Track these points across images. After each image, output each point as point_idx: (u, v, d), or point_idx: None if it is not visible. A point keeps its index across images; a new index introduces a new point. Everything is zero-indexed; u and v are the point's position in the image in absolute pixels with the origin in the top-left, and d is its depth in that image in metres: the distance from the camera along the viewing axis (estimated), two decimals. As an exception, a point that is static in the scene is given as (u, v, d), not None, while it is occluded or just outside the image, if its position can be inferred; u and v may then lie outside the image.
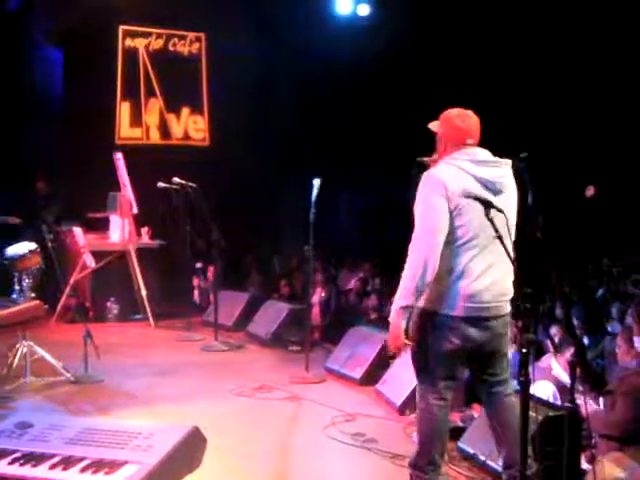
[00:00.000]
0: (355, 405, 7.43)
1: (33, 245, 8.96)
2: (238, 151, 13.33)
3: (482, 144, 4.99)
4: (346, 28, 13.16)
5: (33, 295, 8.67)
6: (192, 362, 9.28)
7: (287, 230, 12.11)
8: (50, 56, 13.75)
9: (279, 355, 9.63)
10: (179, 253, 11.30)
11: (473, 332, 4.86)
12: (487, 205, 4.53)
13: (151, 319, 11.33)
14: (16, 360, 8.19)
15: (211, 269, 11.81)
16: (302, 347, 9.23)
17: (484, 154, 4.96)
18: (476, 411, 6.52)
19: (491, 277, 4.86)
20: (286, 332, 9.99)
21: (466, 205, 4.76)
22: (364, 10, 13.39)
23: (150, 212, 11.94)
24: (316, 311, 10.41)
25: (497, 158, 4.98)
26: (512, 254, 4.64)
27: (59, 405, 7.60)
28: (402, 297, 4.84)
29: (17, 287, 8.75)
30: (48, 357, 8.37)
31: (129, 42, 13.82)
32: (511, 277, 4.90)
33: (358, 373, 8.24)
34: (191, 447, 2.85)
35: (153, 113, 14.02)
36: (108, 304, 11.73)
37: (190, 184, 10.44)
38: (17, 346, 8.26)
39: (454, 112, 5.10)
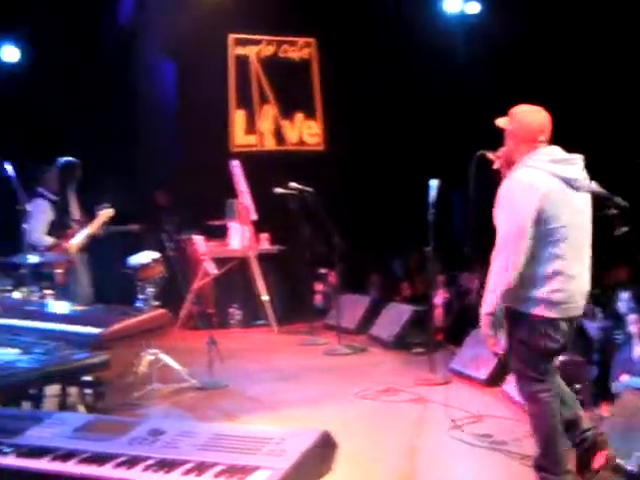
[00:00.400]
0: (481, 406, 7.32)
1: (156, 254, 9.10)
2: (353, 154, 13.34)
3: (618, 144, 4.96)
4: (455, 26, 13.04)
5: (156, 303, 8.82)
6: (316, 366, 9.29)
7: (406, 232, 12.04)
8: (163, 67, 13.96)
9: (403, 357, 9.58)
10: (299, 258, 11.33)
11: (568, 331, 4.95)
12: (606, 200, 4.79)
13: (273, 324, 11.41)
14: (142, 368, 8.34)
15: (332, 273, 11.82)
16: (426, 349, 9.17)
17: (560, 152, 4.97)
18: (605, 411, 6.38)
19: (582, 277, 4.95)
20: (409, 334, 9.94)
21: (558, 207, 4.81)
22: (473, 8, 13.23)
23: (268, 218, 12.02)
24: (439, 312, 10.31)
25: (573, 155, 4.98)
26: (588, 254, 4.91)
27: (186, 411, 7.70)
28: (489, 303, 4.90)
29: (141, 296, 8.91)
30: (173, 364, 8.49)
31: (240, 50, 13.93)
32: (588, 275, 4.99)
33: (483, 374, 8.13)
34: (322, 452, 2.83)
35: (267, 120, 14.10)
36: (231, 310, 11.87)
37: (307, 189, 10.48)
38: (143, 354, 8.41)
39: (525, 108, 5.10)
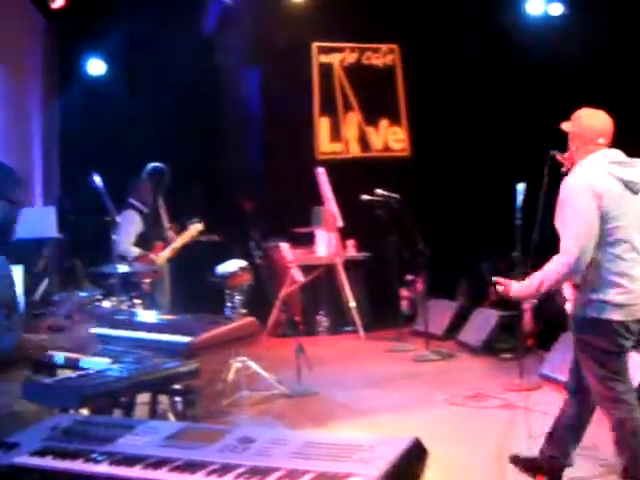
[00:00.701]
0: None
1: (243, 262, 9.17)
2: (438, 159, 13.27)
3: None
4: (538, 28, 12.87)
5: (244, 311, 8.88)
6: (404, 372, 9.26)
7: (493, 236, 11.93)
8: (247, 76, 14.07)
9: (491, 363, 9.49)
10: (385, 264, 11.30)
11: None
12: None
13: (361, 331, 11.40)
14: (231, 375, 8.40)
15: (419, 279, 11.77)
16: (514, 354, 9.07)
17: (620, 155, 5.02)
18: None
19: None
20: (497, 339, 9.85)
21: (617, 208, 4.85)
22: (556, 9, 13.04)
23: (355, 224, 12.02)
24: (528, 317, 10.18)
25: (634, 159, 5.02)
26: None
27: (275, 418, 7.73)
28: (532, 285, 5.08)
29: (229, 304, 8.98)
30: (262, 371, 8.54)
31: (323, 58, 13.97)
32: None
33: (574, 379, 8.01)
34: (413, 459, 2.80)
35: (352, 127, 14.11)
36: (318, 317, 11.89)
37: (393, 195, 10.46)
38: (231, 361, 8.47)
39: (586, 111, 5.20)
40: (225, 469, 2.76)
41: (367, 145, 14.10)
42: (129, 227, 9.11)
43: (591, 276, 4.88)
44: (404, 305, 12.39)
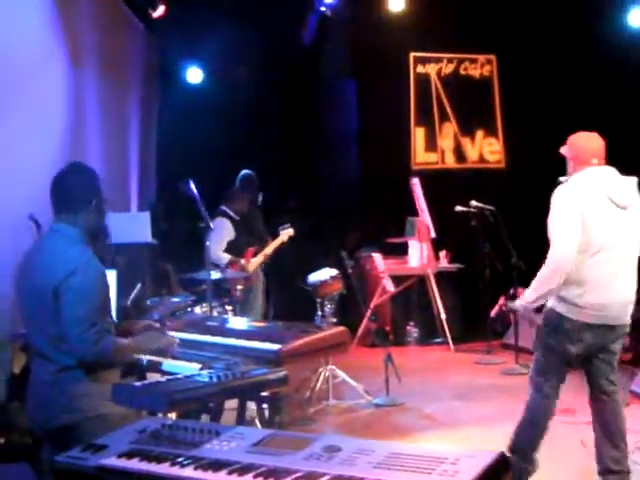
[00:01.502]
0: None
1: (334, 271, 9.19)
2: (534, 171, 13.11)
3: None
4: (639, 40, 12.65)
5: (335, 320, 8.90)
6: (492, 385, 9.18)
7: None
8: (344, 86, 14.11)
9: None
10: (478, 276, 11.20)
11: (595, 339, 5.45)
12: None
13: (450, 342, 11.33)
14: (319, 383, 8.43)
15: (511, 292, 11.64)
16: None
17: (610, 172, 5.48)
18: None
19: (621, 289, 5.36)
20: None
21: (600, 221, 5.28)
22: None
23: (448, 236, 11.96)
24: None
25: (622, 176, 5.49)
26: (634, 268, 5.41)
27: (361, 428, 7.72)
28: (526, 298, 5.54)
29: (320, 313, 9.01)
30: (350, 380, 8.55)
31: (420, 68, 13.94)
32: (632, 290, 5.44)
33: (666, 397, 7.89)
34: (497, 473, 2.78)
35: (448, 137, 14.05)
36: (408, 328, 11.86)
37: (488, 207, 10.38)
38: (320, 370, 8.50)
39: (579, 135, 5.75)
40: (310, 477, 2.77)
41: (462, 156, 14.02)
42: (221, 234, 9.21)
43: (570, 280, 5.29)
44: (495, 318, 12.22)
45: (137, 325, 4.80)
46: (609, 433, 5.65)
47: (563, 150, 5.79)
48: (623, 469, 5.55)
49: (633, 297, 5.46)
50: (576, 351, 5.47)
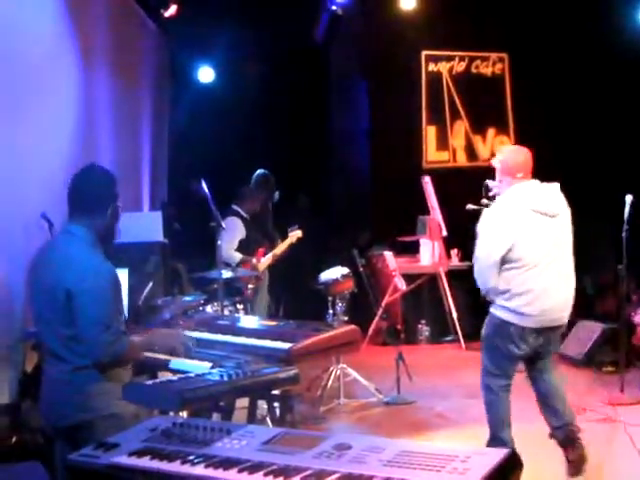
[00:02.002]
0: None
1: (346, 270, 9.19)
2: (546, 169, 13.10)
3: None
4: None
5: (346, 319, 8.91)
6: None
7: (597, 247, 11.74)
8: (355, 84, 14.12)
9: (592, 376, 9.33)
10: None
11: (537, 341, 5.91)
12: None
13: (462, 341, 11.32)
14: (330, 382, 8.44)
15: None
16: (616, 368, 8.91)
17: (535, 186, 5.91)
18: None
19: (556, 294, 5.81)
20: (599, 353, 9.67)
21: (527, 232, 5.72)
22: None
23: (459, 234, 11.95)
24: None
25: (549, 185, 5.94)
26: (570, 270, 5.91)
27: (372, 426, 7.74)
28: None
29: (331, 311, 9.02)
30: (361, 379, 8.56)
31: (432, 67, 13.91)
32: (569, 291, 5.92)
33: (677, 395, 7.90)
34: (508, 471, 2.79)
35: (459, 136, 14.03)
36: (419, 326, 11.85)
37: (498, 205, 10.37)
38: (331, 368, 8.51)
39: (507, 148, 6.54)
40: (320, 475, 2.79)
41: (474, 154, 14.00)
42: (233, 233, 9.23)
43: (502, 286, 5.80)
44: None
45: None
46: (548, 405, 6.18)
47: (494, 161, 6.19)
48: (564, 423, 6.09)
49: (571, 298, 5.96)
50: (520, 352, 5.92)
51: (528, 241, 5.73)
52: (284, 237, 9.62)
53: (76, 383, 4.13)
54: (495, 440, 5.96)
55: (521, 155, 6.05)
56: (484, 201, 10.53)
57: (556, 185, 5.98)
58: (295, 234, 9.57)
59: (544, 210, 5.78)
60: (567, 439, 6.10)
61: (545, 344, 5.97)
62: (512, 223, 5.74)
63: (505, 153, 6.19)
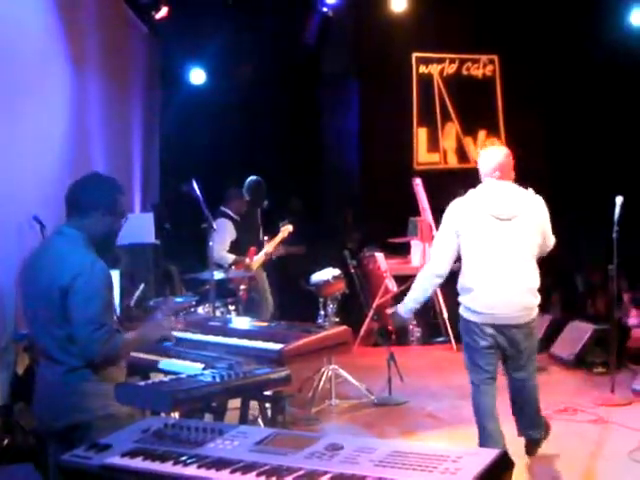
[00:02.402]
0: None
1: (337, 271, 9.21)
2: (537, 171, 13.13)
3: None
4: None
5: (337, 320, 8.92)
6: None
7: (587, 247, 11.77)
8: (346, 86, 14.13)
9: (583, 377, 9.35)
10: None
11: (497, 334, 6.06)
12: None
13: (453, 342, 11.33)
14: (321, 383, 8.45)
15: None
16: (607, 369, 8.95)
17: (498, 187, 6.07)
18: None
19: (507, 291, 5.95)
20: (590, 353, 9.69)
21: (478, 232, 5.97)
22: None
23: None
24: (636, 333, 9.96)
25: (514, 189, 6.09)
26: (523, 272, 5.98)
27: (363, 427, 7.75)
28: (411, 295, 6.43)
29: (322, 312, 9.03)
30: (352, 380, 8.56)
31: (423, 69, 13.95)
32: (518, 292, 5.98)
33: (668, 396, 7.92)
34: (499, 471, 2.80)
35: (450, 137, 14.07)
36: (410, 327, 11.85)
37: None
38: (322, 369, 8.52)
39: (487, 149, 6.48)
40: (312, 475, 2.79)
41: (465, 156, 14.05)
42: (223, 234, 9.24)
43: (461, 284, 6.11)
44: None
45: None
46: (518, 408, 6.39)
47: (476, 162, 6.45)
48: (525, 428, 6.38)
49: (525, 300, 6.02)
50: (483, 345, 6.06)
51: (472, 241, 6.00)
52: (275, 233, 9.65)
53: (71, 384, 4.14)
54: (482, 432, 6.09)
55: (496, 155, 6.26)
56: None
57: (521, 191, 6.13)
58: (286, 228, 9.60)
59: (497, 213, 5.97)
60: (529, 445, 6.42)
61: (509, 344, 6.08)
62: (459, 222, 6.05)
63: (482, 153, 6.40)
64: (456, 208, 6.13)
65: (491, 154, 6.28)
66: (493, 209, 5.97)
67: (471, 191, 6.15)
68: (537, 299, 6.11)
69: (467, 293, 6.06)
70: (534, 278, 6.08)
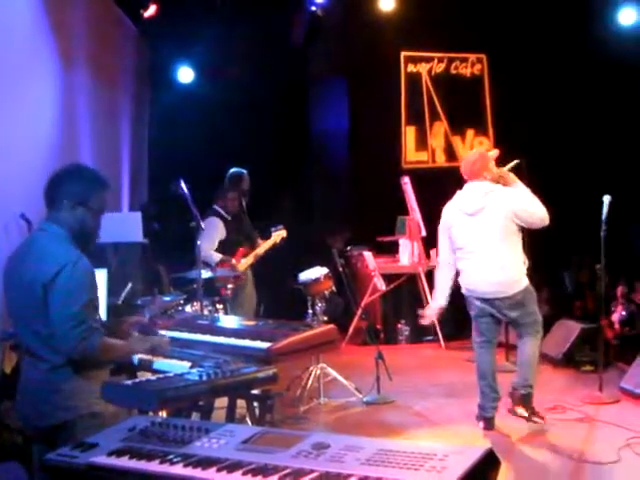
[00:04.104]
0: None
1: (325, 270, 9.20)
2: (525, 170, 13.13)
3: None
4: (629, 38, 12.66)
5: (325, 319, 8.92)
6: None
7: (576, 245, 11.79)
8: (335, 85, 14.13)
9: (571, 375, 9.38)
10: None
11: (484, 306, 7.38)
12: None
13: (441, 340, 11.36)
14: (310, 382, 8.45)
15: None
16: (595, 367, 8.97)
17: (467, 188, 7.40)
18: None
19: (485, 272, 7.21)
20: (578, 352, 9.71)
21: (457, 227, 7.35)
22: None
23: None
24: (617, 330, 10.02)
25: (480, 187, 7.27)
26: (496, 256, 7.17)
27: (352, 426, 7.76)
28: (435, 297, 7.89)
29: (310, 311, 9.03)
30: (341, 379, 8.57)
31: (411, 68, 13.94)
32: (495, 272, 7.18)
33: (656, 394, 7.94)
34: (485, 469, 2.80)
35: (438, 136, 14.07)
36: (399, 326, 11.88)
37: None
38: (310, 368, 8.53)
39: (467, 153, 8.27)
40: (298, 474, 2.79)
41: (453, 155, 14.04)
42: (212, 234, 9.24)
43: (457, 271, 7.48)
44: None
45: (126, 322, 4.80)
46: (518, 365, 7.60)
47: None
48: (518, 384, 7.46)
49: (499, 276, 7.17)
50: (476, 313, 7.45)
51: (455, 234, 7.39)
52: (266, 237, 9.64)
53: (55, 382, 4.12)
54: (479, 389, 7.50)
55: (468, 160, 7.56)
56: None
57: (481, 185, 7.30)
58: (279, 234, 9.61)
59: (465, 210, 7.29)
60: (518, 399, 7.41)
61: (500, 313, 7.37)
62: (447, 219, 7.50)
63: (464, 157, 7.79)
64: (446, 208, 7.51)
65: (464, 160, 7.69)
66: (462, 207, 7.32)
67: (456, 193, 7.46)
68: (514, 273, 7.23)
69: (460, 275, 7.42)
70: (508, 256, 7.21)
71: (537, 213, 7.21)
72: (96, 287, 4.28)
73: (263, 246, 9.60)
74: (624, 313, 10.32)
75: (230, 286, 8.85)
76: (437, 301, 7.73)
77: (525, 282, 7.28)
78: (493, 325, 7.48)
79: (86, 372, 4.16)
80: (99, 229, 4.39)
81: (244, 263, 9.41)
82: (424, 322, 8.13)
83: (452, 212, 7.42)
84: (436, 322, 11.30)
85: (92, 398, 4.08)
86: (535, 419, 7.31)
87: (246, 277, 9.56)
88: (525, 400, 7.34)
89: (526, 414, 7.32)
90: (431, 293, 11.34)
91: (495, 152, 7.95)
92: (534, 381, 7.39)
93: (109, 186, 4.45)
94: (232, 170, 10.11)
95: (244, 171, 10.16)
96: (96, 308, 4.28)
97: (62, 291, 4.02)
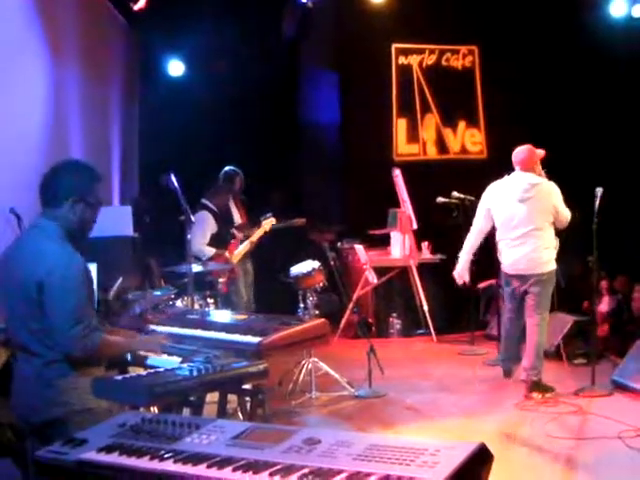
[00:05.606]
0: (644, 419, 7.07)
1: (317, 263, 9.19)
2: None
3: None
4: (621, 29, 12.66)
5: (317, 312, 8.91)
6: (475, 376, 9.21)
7: (568, 240, 11.78)
8: (326, 77, 14.10)
9: (563, 368, 9.39)
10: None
11: (520, 283, 8.23)
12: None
13: (433, 333, 11.35)
14: (302, 376, 8.45)
15: (493, 282, 11.64)
16: (587, 359, 8.98)
17: (518, 176, 8.26)
18: None
19: (523, 249, 8.12)
20: (570, 345, 9.72)
21: (500, 210, 8.30)
22: (640, 11, 12.81)
23: (430, 227, 11.97)
24: (607, 322, 10.04)
25: (530, 180, 8.16)
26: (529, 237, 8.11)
27: (344, 420, 7.75)
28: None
29: (302, 305, 9.02)
30: (332, 372, 8.57)
31: (402, 60, 13.90)
32: (528, 251, 8.11)
33: (647, 386, 7.96)
34: (477, 464, 2.79)
35: (429, 128, 14.03)
36: (390, 319, 11.87)
37: (470, 198, 10.38)
38: (302, 362, 8.52)
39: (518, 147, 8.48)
40: (289, 470, 2.78)
41: (444, 147, 14.02)
42: (203, 227, 9.23)
43: (498, 247, 8.42)
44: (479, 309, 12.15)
45: (123, 333, 4.77)
46: (526, 346, 8.21)
47: None
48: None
49: (530, 256, 8.07)
50: (509, 290, 8.35)
51: (497, 214, 8.33)
52: (256, 226, 9.65)
53: (48, 377, 4.11)
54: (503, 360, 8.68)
55: (518, 153, 8.37)
56: (454, 194, 10.62)
57: (531, 177, 8.22)
58: (269, 222, 9.60)
59: (515, 196, 8.14)
60: (531, 386, 8.02)
61: (524, 289, 8.14)
62: (490, 200, 8.43)
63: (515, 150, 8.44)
64: (493, 187, 8.47)
65: (516, 152, 8.39)
66: (513, 193, 8.16)
67: (504, 177, 8.37)
68: (544, 255, 8.10)
69: (500, 253, 8.37)
70: (541, 242, 8.12)
71: (566, 215, 8.26)
72: (92, 283, 4.27)
73: (253, 236, 9.59)
74: (612, 305, 10.33)
75: (223, 280, 8.85)
76: (463, 259, 8.72)
77: (554, 265, 8.21)
78: (517, 302, 8.29)
79: (80, 368, 4.14)
80: (95, 223, 4.38)
81: (237, 255, 9.40)
82: (459, 282, 8.81)
83: (499, 194, 8.34)
84: (428, 317, 11.38)
85: (85, 393, 4.06)
86: (548, 395, 8.00)
87: (238, 271, 9.55)
88: (537, 386, 8.02)
89: (540, 397, 7.94)
90: (423, 288, 11.45)
91: (542, 152, 8.56)
92: (541, 364, 8.10)
93: (102, 178, 4.43)
94: (226, 168, 10.10)
95: (238, 170, 10.14)
96: (93, 305, 4.26)
97: (57, 290, 4.00)
